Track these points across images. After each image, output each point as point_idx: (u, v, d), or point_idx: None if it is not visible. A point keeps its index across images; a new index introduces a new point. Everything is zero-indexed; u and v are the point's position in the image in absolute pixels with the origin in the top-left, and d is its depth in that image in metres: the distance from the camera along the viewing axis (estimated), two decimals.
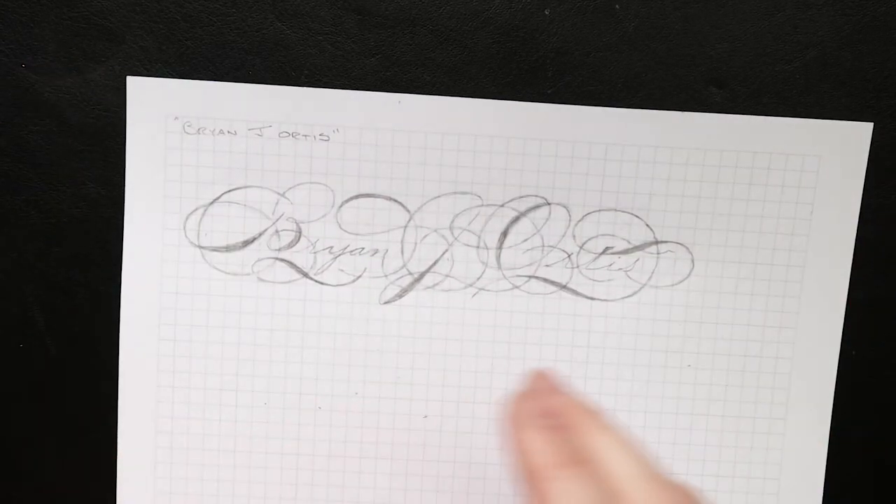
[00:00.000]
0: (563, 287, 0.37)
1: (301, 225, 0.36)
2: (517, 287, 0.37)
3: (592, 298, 0.37)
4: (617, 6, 0.36)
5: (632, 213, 0.36)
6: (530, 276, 0.37)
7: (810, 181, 0.36)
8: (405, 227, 0.36)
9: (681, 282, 0.37)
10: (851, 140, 0.36)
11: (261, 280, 0.36)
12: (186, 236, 0.36)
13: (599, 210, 0.36)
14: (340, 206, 0.36)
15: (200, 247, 0.36)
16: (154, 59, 0.35)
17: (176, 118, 0.35)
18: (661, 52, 0.36)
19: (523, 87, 0.36)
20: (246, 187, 0.36)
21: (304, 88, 0.35)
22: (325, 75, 0.36)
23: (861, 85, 0.36)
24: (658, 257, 0.37)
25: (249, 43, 0.36)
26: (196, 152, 0.36)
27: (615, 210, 0.36)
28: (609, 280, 0.37)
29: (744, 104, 0.36)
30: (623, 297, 0.37)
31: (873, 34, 0.36)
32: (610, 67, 0.36)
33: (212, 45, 0.35)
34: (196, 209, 0.36)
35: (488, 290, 0.37)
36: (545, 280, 0.37)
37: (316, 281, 0.36)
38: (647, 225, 0.37)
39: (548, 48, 0.36)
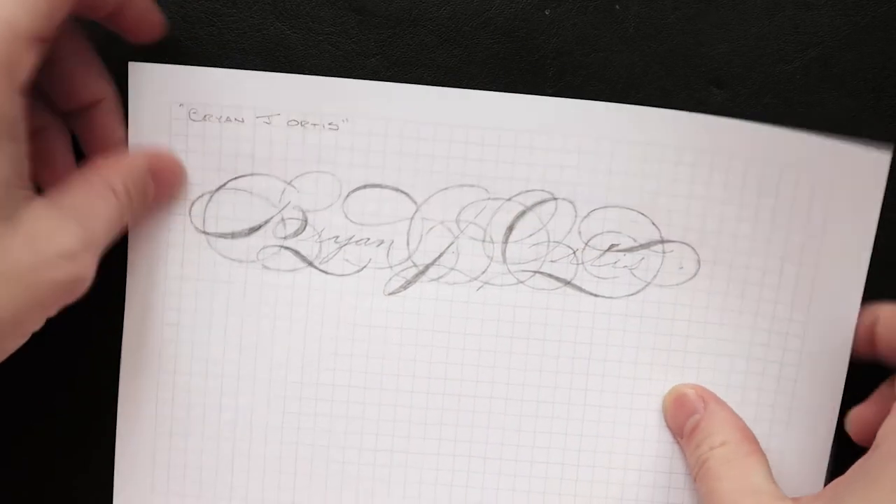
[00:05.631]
0: (568, 283, 0.37)
1: (307, 214, 0.36)
2: (522, 282, 0.37)
3: (596, 295, 0.37)
4: (617, 6, 0.36)
5: (638, 211, 0.36)
6: (535, 272, 0.37)
7: (822, 198, 0.36)
8: (411, 218, 0.36)
9: (686, 282, 0.37)
10: (868, 167, 0.35)
11: (265, 268, 0.36)
12: (192, 222, 0.36)
13: (605, 207, 0.36)
14: (347, 196, 0.36)
15: (206, 233, 0.36)
16: (154, 59, 0.35)
17: (181, 105, 0.35)
18: (661, 52, 0.36)
19: (523, 88, 0.36)
20: (252, 175, 0.36)
21: (314, 77, 0.35)
22: (325, 75, 0.35)
23: (861, 85, 0.36)
24: (663, 256, 0.37)
25: (249, 43, 0.35)
26: (202, 139, 0.35)
27: (621, 207, 0.36)
28: (614, 277, 0.37)
29: (744, 104, 0.36)
30: (627, 295, 0.37)
31: (874, 34, 0.36)
32: (610, 67, 0.36)
33: (212, 45, 0.35)
34: (202, 195, 0.36)
35: (493, 285, 0.37)
36: (550, 276, 0.37)
37: (321, 270, 0.36)
38: (653, 223, 0.36)
39: (548, 48, 0.36)
